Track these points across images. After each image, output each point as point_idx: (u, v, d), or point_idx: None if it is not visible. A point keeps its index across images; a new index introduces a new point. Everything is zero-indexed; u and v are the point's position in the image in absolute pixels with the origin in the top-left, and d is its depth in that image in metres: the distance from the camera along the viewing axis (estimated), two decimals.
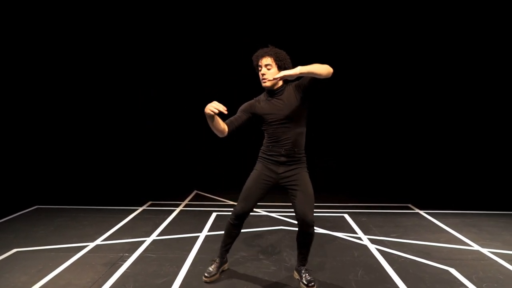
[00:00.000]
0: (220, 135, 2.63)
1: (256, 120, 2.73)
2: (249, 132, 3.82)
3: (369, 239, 3.81)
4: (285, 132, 2.62)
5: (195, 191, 6.10)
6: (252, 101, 2.74)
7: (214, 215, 4.70)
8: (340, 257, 3.33)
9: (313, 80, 2.56)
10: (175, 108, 6.67)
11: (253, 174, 2.75)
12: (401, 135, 6.51)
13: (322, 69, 2.45)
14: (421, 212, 4.88)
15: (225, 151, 6.65)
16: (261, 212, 4.78)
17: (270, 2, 6.36)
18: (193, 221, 4.44)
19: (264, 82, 2.64)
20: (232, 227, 2.83)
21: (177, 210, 4.98)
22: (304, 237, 2.72)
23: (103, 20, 6.46)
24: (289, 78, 2.46)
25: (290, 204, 2.70)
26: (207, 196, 5.78)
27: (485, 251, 3.49)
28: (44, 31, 6.45)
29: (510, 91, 6.26)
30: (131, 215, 4.72)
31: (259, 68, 2.66)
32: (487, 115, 6.36)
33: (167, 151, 6.72)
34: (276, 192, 2.93)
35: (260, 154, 2.77)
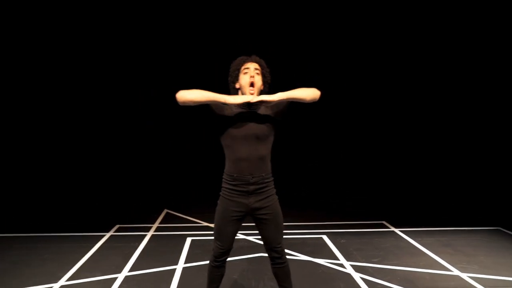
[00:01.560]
0: (190, 98, 2.30)
1: (217, 123, 2.42)
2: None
3: (352, 265, 3.74)
4: (248, 150, 2.37)
5: (166, 211, 5.80)
6: None
7: (189, 240, 4.45)
8: None
9: (291, 104, 2.44)
10: (141, 120, 6.34)
11: (219, 211, 2.49)
12: (372, 151, 6.59)
13: (306, 94, 2.36)
14: (396, 230, 4.91)
15: (197, 165, 6.41)
16: (238, 235, 4.59)
17: (271, 5, 6.23)
18: (167, 250, 4.17)
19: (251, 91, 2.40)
20: (215, 270, 2.59)
21: (148, 235, 4.68)
22: (279, 268, 2.56)
23: (101, 21, 6.10)
24: (266, 105, 2.38)
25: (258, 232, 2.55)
26: (180, 217, 5.51)
27: (464, 276, 3.53)
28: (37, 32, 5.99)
29: (479, 107, 6.49)
30: (98, 243, 4.36)
31: (245, 71, 2.43)
32: (453, 130, 6.58)
33: (134, 167, 6.37)
34: None
35: (223, 185, 2.47)
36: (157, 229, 4.94)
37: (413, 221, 5.26)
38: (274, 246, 2.51)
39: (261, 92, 2.48)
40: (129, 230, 4.89)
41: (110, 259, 3.89)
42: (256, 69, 2.45)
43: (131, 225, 5.06)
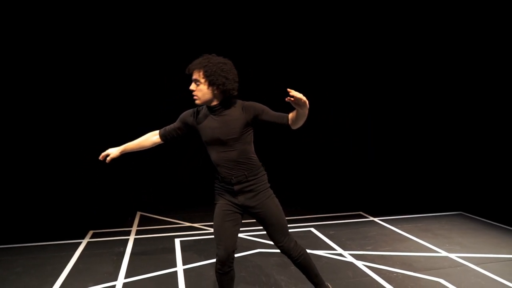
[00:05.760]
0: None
1: (193, 133, 2.47)
2: (195, 142, 3.26)
3: (351, 254, 3.84)
4: (217, 155, 2.36)
5: (139, 213, 5.43)
6: (191, 110, 2.47)
7: (177, 242, 4.22)
8: (339, 280, 3.27)
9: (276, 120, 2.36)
10: (108, 117, 5.88)
11: (217, 209, 2.45)
12: (339, 144, 6.82)
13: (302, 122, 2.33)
14: (376, 219, 5.14)
15: (167, 164, 6.10)
16: None
17: (270, 6, 6.09)
18: (159, 252, 3.91)
19: (195, 100, 2.33)
20: (224, 277, 2.44)
21: (131, 239, 4.35)
22: (295, 264, 2.58)
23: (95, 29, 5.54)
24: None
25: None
26: (157, 219, 5.19)
27: (453, 256, 3.81)
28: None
29: (439, 101, 6.95)
30: (76, 251, 3.95)
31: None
32: (415, 120, 7.04)
33: (100, 168, 5.85)
34: None
35: (215, 184, 2.51)
36: (138, 232, 4.60)
37: (385, 210, 5.54)
38: (276, 245, 2.50)
39: (222, 92, 2.30)
40: (106, 235, 4.50)
41: (99, 267, 3.54)
42: (196, 80, 2.28)
43: (106, 230, 4.66)
